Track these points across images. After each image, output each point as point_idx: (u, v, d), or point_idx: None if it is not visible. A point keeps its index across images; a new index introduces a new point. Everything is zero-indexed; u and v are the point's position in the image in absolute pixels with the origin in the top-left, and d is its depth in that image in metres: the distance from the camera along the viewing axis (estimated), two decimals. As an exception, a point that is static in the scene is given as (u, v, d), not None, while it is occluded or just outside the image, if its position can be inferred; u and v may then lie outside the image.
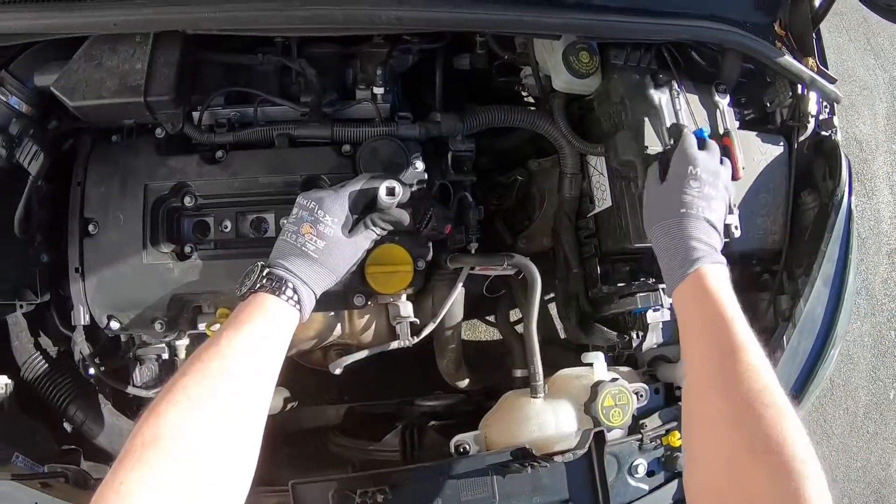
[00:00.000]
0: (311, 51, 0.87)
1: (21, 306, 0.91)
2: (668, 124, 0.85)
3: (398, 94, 0.87)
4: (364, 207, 0.71)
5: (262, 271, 0.65)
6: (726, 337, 0.61)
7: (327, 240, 0.67)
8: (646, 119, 0.84)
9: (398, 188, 0.68)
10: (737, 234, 0.89)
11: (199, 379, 0.54)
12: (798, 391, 0.97)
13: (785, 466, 0.51)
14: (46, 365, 0.93)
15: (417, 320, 0.78)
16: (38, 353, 0.93)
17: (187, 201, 0.82)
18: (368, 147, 0.78)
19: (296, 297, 0.64)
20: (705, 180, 0.72)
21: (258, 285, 0.64)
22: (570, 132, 0.87)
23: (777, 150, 1.00)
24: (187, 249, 0.82)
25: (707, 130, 0.89)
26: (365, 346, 0.79)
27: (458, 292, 0.80)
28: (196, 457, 0.50)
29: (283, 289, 0.64)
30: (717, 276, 0.67)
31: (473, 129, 0.85)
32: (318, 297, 0.68)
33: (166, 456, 0.49)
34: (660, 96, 0.86)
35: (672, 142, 0.80)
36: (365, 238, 0.70)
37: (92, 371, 0.87)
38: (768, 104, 1.04)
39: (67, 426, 0.95)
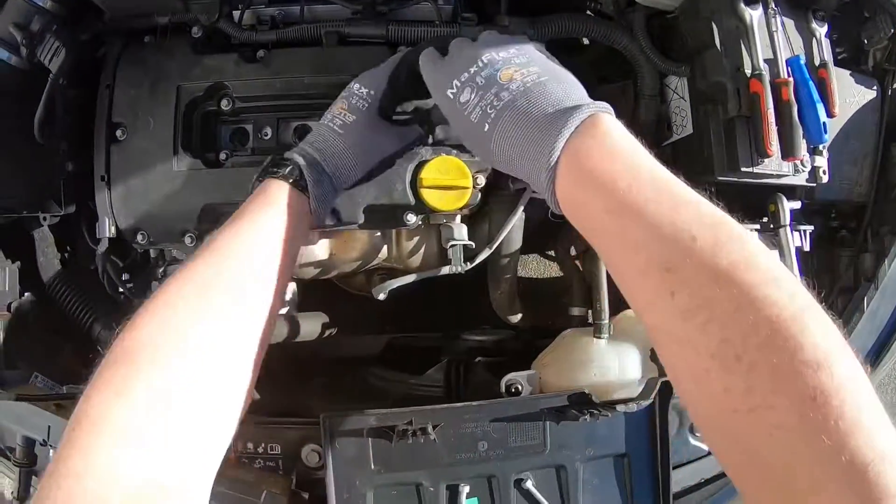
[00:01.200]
0: (366, -52, 0.79)
1: (45, 219, 0.87)
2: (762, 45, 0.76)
3: (461, -2, 0.78)
4: (410, 85, 0.59)
5: (274, 158, 0.55)
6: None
7: (359, 114, 0.56)
8: (739, 37, 0.75)
9: None
10: (825, 178, 0.81)
11: (183, 284, 0.45)
12: (874, 358, 0.90)
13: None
14: (72, 282, 0.88)
15: (472, 244, 0.70)
16: (64, 269, 0.89)
17: (224, 104, 0.74)
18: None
19: (303, 183, 0.53)
20: (467, 82, 0.50)
21: (267, 171, 0.54)
22: (651, 48, 0.77)
23: (870, 94, 0.91)
24: (222, 156, 0.75)
25: (802, 59, 0.81)
26: (412, 271, 0.72)
27: (519, 217, 0.72)
28: (174, 377, 0.41)
29: (293, 171, 0.53)
30: (592, 146, 0.42)
31: (545, 38, 0.75)
32: (339, 187, 0.57)
33: (138, 376, 0.41)
34: (754, 13, 0.77)
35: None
36: (407, 130, 0.60)
37: (119, 288, 0.82)
38: (865, 41, 0.93)
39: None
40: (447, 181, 0.65)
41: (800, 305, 0.33)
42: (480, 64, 0.51)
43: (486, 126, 0.48)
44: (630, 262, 0.39)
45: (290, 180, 0.53)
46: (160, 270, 0.80)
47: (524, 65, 0.50)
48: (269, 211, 0.51)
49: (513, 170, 0.49)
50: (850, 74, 0.89)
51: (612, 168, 0.41)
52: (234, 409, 0.46)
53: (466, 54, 0.53)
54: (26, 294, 0.87)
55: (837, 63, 0.91)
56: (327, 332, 0.78)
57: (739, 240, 0.36)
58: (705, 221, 0.37)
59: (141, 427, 0.40)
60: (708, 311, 0.34)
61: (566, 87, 0.48)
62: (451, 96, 0.52)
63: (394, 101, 0.59)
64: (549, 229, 0.73)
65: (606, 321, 0.70)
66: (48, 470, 0.38)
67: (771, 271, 0.35)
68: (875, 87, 0.90)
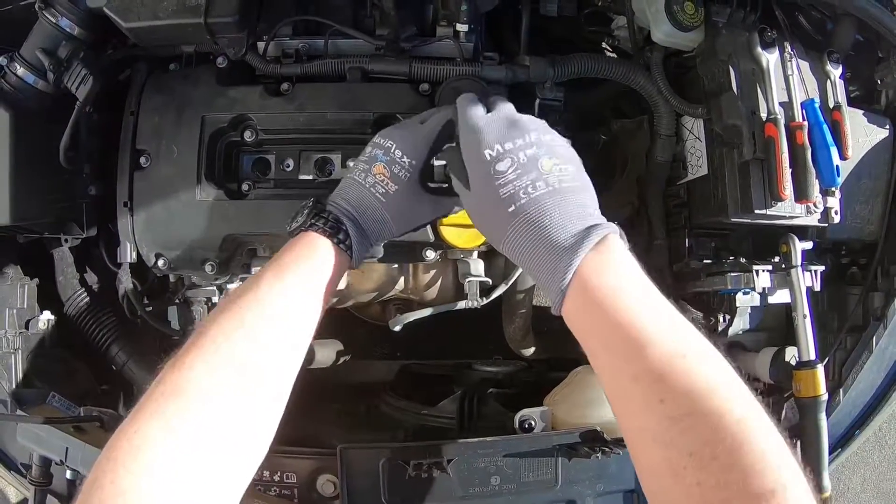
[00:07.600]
0: (389, -17, 0.80)
1: (66, 240, 0.88)
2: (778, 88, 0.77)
3: (482, 35, 0.79)
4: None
5: (315, 208, 0.57)
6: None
7: (401, 185, 0.58)
8: (755, 80, 0.76)
9: None
10: (836, 219, 0.82)
11: (232, 330, 0.48)
12: (879, 397, 0.90)
13: None
14: (91, 302, 0.89)
15: (489, 280, 0.71)
16: (83, 289, 0.89)
17: (247, 136, 0.76)
18: (450, 86, 0.71)
19: (348, 242, 0.56)
20: (510, 152, 0.52)
21: (310, 223, 0.56)
22: (668, 89, 0.78)
23: (882, 132, 0.92)
24: (244, 187, 0.76)
25: (817, 101, 0.82)
26: (428, 304, 0.73)
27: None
28: (218, 416, 0.46)
29: (337, 231, 0.56)
30: (603, 266, 0.47)
31: (564, 77, 0.77)
32: (373, 247, 0.61)
33: (186, 412, 0.44)
34: (771, 57, 0.78)
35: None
36: (443, 199, 0.60)
37: (138, 311, 0.83)
38: (879, 81, 0.94)
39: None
40: (466, 219, 0.66)
41: (764, 423, 0.41)
42: (528, 139, 0.53)
43: (513, 207, 0.50)
44: (624, 370, 0.44)
45: (335, 240, 0.56)
46: (179, 295, 0.81)
47: (565, 159, 0.54)
48: (314, 264, 0.54)
49: (519, 261, 0.52)
50: (863, 114, 0.90)
51: (619, 288, 0.46)
52: (266, 445, 0.49)
53: (515, 121, 0.55)
54: (44, 312, 0.88)
55: (850, 102, 0.93)
56: (342, 360, 0.78)
57: (718, 361, 0.43)
58: (692, 343, 0.44)
59: (180, 461, 0.43)
60: (691, 419, 0.40)
61: (587, 198, 0.53)
62: (489, 157, 0.53)
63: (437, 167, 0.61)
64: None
65: (619, 360, 0.71)
66: (91, 482, 0.41)
67: (743, 392, 0.42)
68: (887, 126, 0.90)
